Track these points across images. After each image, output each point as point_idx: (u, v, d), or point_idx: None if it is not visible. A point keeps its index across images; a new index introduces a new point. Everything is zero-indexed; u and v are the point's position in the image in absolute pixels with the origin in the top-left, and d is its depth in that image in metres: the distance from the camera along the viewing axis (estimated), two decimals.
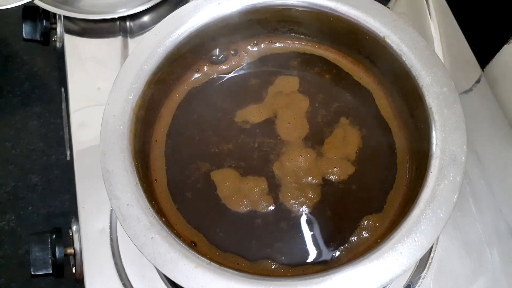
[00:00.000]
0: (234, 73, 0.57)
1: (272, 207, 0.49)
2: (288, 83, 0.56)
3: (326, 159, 0.51)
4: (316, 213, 0.48)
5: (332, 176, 0.50)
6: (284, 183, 0.50)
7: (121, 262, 0.53)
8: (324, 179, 0.50)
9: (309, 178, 0.50)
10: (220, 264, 0.40)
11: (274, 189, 0.50)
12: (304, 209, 0.48)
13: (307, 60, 0.57)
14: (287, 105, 0.54)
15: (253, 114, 0.54)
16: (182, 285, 0.39)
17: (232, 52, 0.57)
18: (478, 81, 0.64)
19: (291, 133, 0.53)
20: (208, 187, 0.50)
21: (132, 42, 0.68)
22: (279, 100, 0.55)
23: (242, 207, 0.49)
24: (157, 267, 0.40)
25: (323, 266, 0.46)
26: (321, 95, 0.55)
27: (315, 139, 0.52)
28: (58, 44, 0.71)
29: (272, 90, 0.55)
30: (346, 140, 0.51)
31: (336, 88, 0.56)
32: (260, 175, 0.50)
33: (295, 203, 0.49)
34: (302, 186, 0.50)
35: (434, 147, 0.44)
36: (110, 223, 0.55)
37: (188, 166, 0.51)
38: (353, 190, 0.50)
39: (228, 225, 0.48)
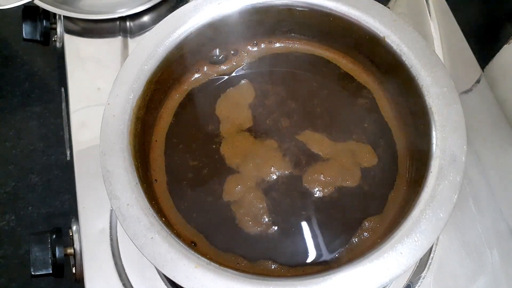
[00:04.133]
0: (235, 73, 0.57)
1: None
2: (366, 153, 0.51)
3: None
4: (317, 214, 0.48)
5: None
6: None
7: (121, 262, 0.53)
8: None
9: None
10: (220, 264, 0.40)
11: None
12: (305, 210, 0.49)
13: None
14: (343, 168, 0.50)
15: (318, 142, 0.52)
16: (182, 285, 0.39)
17: (232, 52, 0.57)
18: (478, 81, 0.64)
19: (310, 180, 0.50)
20: (209, 186, 0.50)
21: (132, 42, 0.68)
22: (347, 157, 0.51)
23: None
24: (157, 267, 0.40)
25: (323, 267, 0.46)
26: (374, 209, 0.49)
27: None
28: (58, 44, 0.71)
29: (349, 146, 0.52)
30: None
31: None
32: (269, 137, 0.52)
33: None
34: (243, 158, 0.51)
35: (434, 147, 0.44)
36: (110, 223, 0.55)
37: (188, 166, 0.51)
38: (353, 191, 0.50)
39: (228, 224, 0.48)
